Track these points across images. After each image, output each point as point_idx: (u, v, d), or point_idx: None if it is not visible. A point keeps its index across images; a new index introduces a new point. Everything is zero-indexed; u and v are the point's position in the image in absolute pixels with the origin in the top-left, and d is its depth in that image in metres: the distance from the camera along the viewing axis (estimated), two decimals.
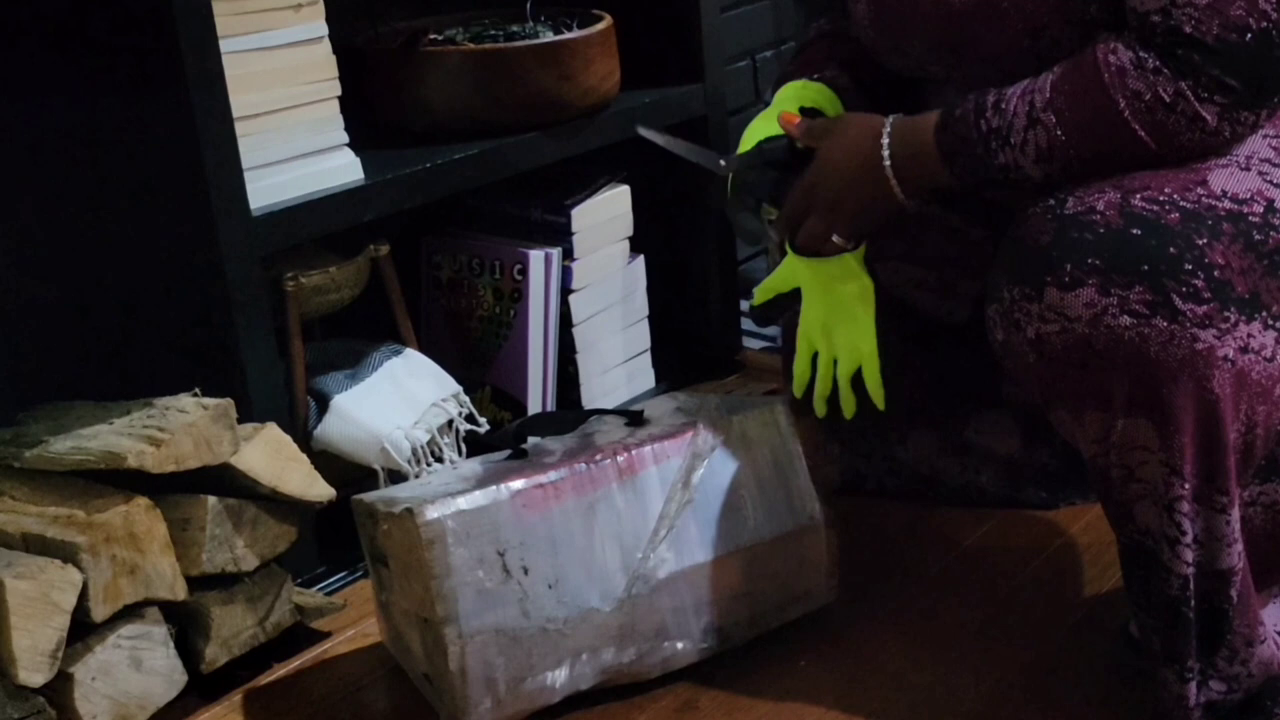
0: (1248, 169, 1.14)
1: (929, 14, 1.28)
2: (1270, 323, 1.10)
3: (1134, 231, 1.09)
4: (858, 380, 1.36)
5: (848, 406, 1.35)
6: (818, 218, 1.30)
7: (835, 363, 1.38)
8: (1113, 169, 1.15)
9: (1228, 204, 1.11)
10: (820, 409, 1.36)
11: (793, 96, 1.40)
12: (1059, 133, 1.16)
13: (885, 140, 1.26)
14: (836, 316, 1.34)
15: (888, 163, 1.26)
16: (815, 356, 1.40)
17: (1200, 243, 1.08)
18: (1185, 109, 1.12)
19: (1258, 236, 1.10)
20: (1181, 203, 1.10)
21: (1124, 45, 1.14)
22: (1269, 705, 1.19)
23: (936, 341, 1.54)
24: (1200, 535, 1.14)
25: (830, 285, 1.34)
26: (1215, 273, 1.08)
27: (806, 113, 1.38)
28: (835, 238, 1.31)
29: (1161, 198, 1.10)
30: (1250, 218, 1.10)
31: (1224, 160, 1.14)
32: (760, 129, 1.38)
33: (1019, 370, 1.17)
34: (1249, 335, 1.09)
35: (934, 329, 1.54)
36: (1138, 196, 1.11)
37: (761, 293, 1.41)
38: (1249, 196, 1.11)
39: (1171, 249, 1.08)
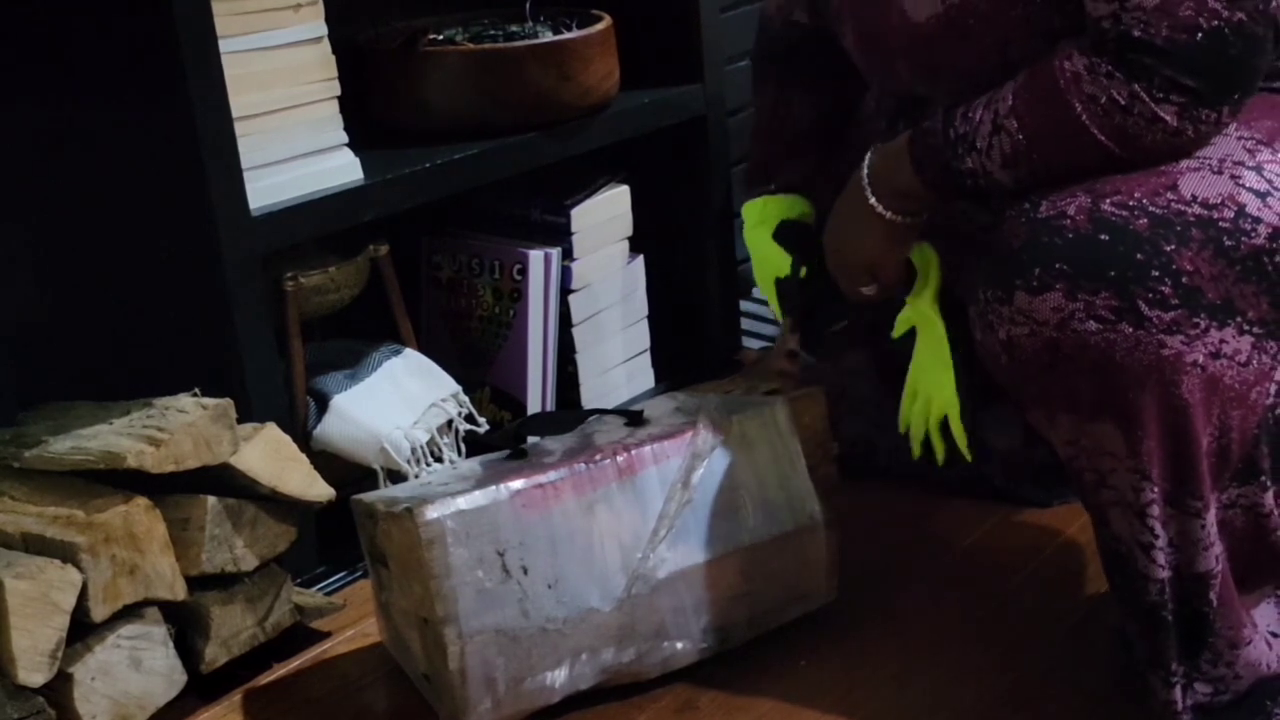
0: (1220, 172, 1.13)
1: (902, 38, 1.29)
2: (1245, 328, 1.10)
3: (1102, 237, 1.09)
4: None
5: (937, 450, 1.36)
6: (838, 272, 1.38)
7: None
8: (1082, 174, 1.15)
9: (1197, 209, 1.10)
10: (915, 449, 1.39)
11: (773, 214, 1.52)
12: (1021, 138, 1.17)
13: (865, 163, 1.30)
14: (926, 361, 1.36)
15: (866, 181, 1.28)
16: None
17: (1168, 249, 1.08)
18: (1142, 111, 1.12)
19: (1228, 242, 1.09)
20: (1150, 208, 1.10)
21: (1079, 52, 1.15)
22: (1268, 705, 1.19)
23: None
24: (1175, 539, 1.14)
25: (922, 332, 1.36)
26: (1183, 279, 1.08)
27: (789, 226, 1.49)
28: (863, 288, 1.36)
29: (1131, 203, 1.10)
30: (1220, 223, 1.10)
31: (1196, 163, 1.14)
32: (765, 262, 1.50)
33: (994, 371, 1.18)
34: (1221, 341, 1.09)
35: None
36: (1108, 201, 1.11)
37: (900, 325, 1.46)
38: (1219, 201, 1.11)
39: (1139, 255, 1.08)
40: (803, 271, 1.47)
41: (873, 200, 1.29)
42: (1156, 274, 1.07)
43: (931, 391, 1.34)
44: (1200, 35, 1.10)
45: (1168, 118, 1.12)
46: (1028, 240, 1.12)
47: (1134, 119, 1.13)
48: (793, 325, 1.47)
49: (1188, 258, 1.08)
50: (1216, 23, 1.09)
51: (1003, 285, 1.12)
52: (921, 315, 1.36)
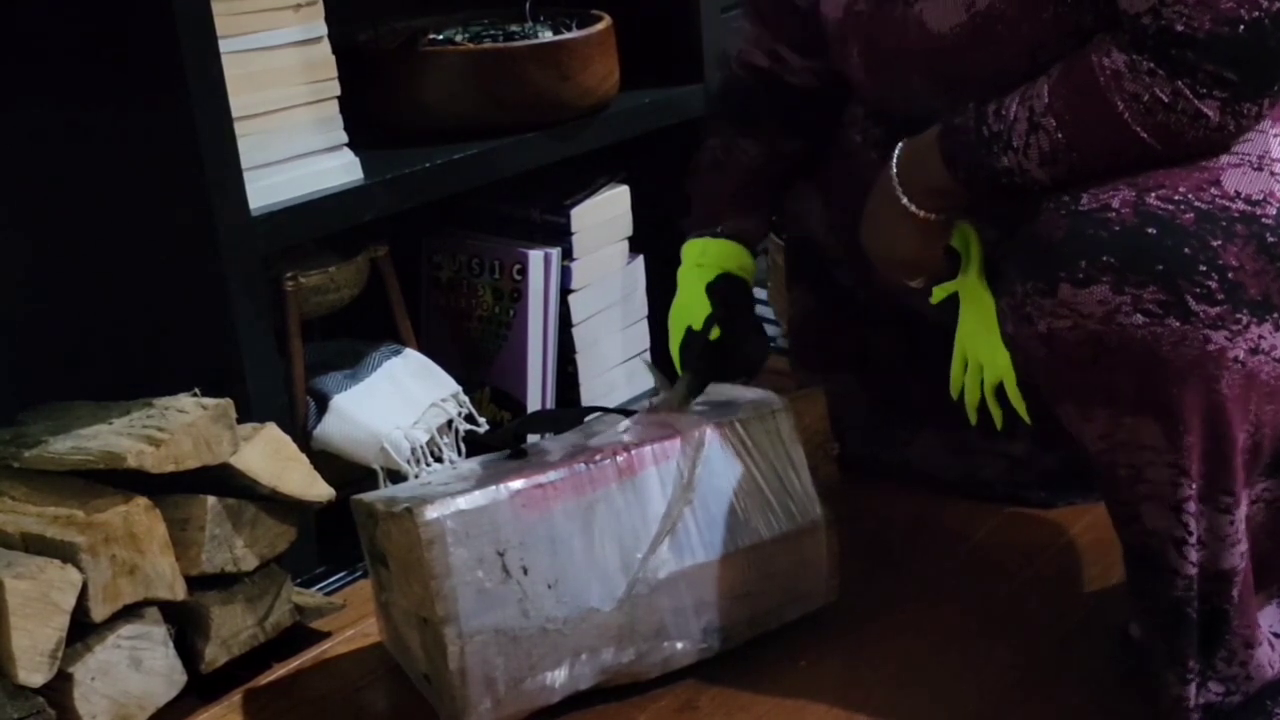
0: (1260, 169, 1.13)
1: (922, 50, 1.28)
2: None
3: (1149, 231, 1.09)
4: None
5: (996, 417, 1.36)
6: (881, 268, 1.37)
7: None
8: (1120, 169, 1.15)
9: (1241, 205, 1.11)
10: (971, 416, 1.38)
11: (714, 260, 1.50)
12: (1060, 136, 1.16)
13: (894, 159, 1.29)
14: (977, 332, 1.36)
15: (896, 181, 1.27)
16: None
17: (1214, 244, 1.08)
18: (1185, 107, 1.12)
19: (1270, 239, 1.10)
20: (1196, 203, 1.10)
21: (1118, 48, 1.14)
22: (1269, 705, 1.19)
23: (944, 344, 1.55)
24: (1204, 536, 1.14)
25: (969, 302, 1.36)
26: (1229, 274, 1.08)
27: (726, 280, 1.47)
28: (909, 282, 1.36)
29: (1176, 197, 1.10)
30: (1263, 220, 1.10)
31: (1237, 160, 1.14)
32: (686, 308, 1.49)
33: (1028, 364, 1.17)
34: (1259, 337, 1.09)
35: (942, 331, 1.54)
36: (1152, 195, 1.11)
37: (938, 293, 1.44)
38: (1262, 198, 1.11)
39: (1186, 249, 1.08)
40: (714, 333, 1.45)
41: (905, 200, 1.28)
42: (1204, 268, 1.07)
43: (984, 359, 1.34)
44: (1242, 27, 1.10)
45: (1210, 113, 1.12)
46: (1070, 233, 1.11)
47: (1177, 116, 1.12)
48: (689, 380, 1.44)
49: (1233, 253, 1.08)
50: (1257, 14, 1.09)
51: (1045, 278, 1.11)
52: (967, 291, 1.36)
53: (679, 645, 1.31)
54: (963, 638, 1.37)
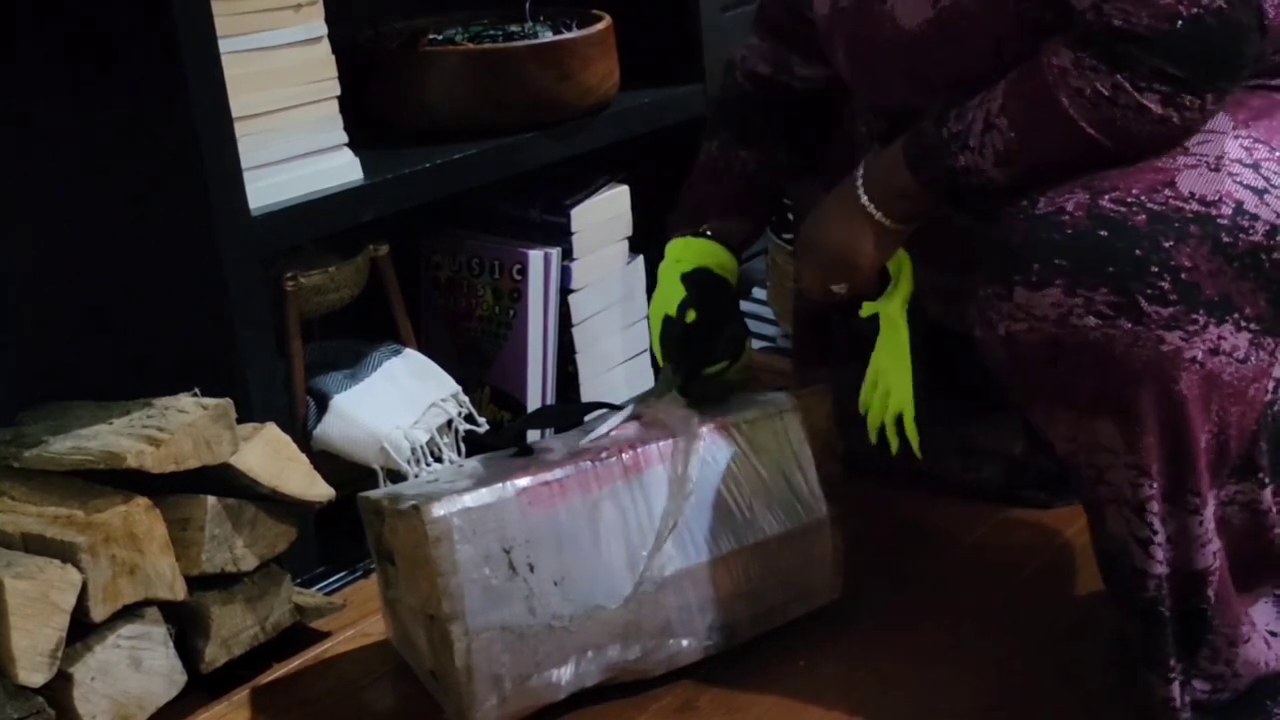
0: (1217, 170, 1.13)
1: (892, 46, 1.29)
2: (1242, 325, 1.10)
3: (1101, 233, 1.09)
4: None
5: (892, 443, 1.37)
6: (806, 268, 1.35)
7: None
8: (1077, 169, 1.15)
9: (1195, 206, 1.10)
10: (872, 437, 1.39)
11: (694, 257, 1.46)
12: (1012, 135, 1.17)
13: (860, 165, 1.29)
14: (889, 359, 1.36)
15: (860, 184, 1.28)
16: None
17: (1167, 245, 1.08)
18: (1127, 101, 1.12)
19: (1226, 239, 1.09)
20: (1149, 204, 1.10)
21: (1066, 46, 1.15)
22: (1269, 705, 1.19)
23: (943, 343, 1.55)
24: (1173, 536, 1.14)
25: (887, 328, 1.36)
26: (1182, 275, 1.08)
27: (703, 273, 1.44)
28: (834, 286, 1.34)
29: (1129, 199, 1.11)
30: (1218, 220, 1.10)
31: (1194, 161, 1.14)
32: (663, 299, 1.45)
33: (994, 368, 1.18)
34: (1219, 337, 1.09)
35: (940, 330, 1.54)
36: (1106, 198, 1.11)
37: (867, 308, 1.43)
38: (1217, 199, 1.11)
39: (1137, 251, 1.08)
40: (689, 316, 1.43)
41: (865, 200, 1.29)
42: (1155, 270, 1.07)
43: (890, 387, 1.35)
44: (1180, 23, 1.10)
45: (1152, 106, 1.12)
46: (1027, 236, 1.12)
47: (1120, 110, 1.13)
48: (670, 369, 1.43)
49: (1186, 254, 1.08)
50: (1196, 10, 1.10)
51: (1002, 281, 1.12)
52: (888, 317, 1.36)
53: (684, 642, 1.31)
54: (962, 637, 1.38)
